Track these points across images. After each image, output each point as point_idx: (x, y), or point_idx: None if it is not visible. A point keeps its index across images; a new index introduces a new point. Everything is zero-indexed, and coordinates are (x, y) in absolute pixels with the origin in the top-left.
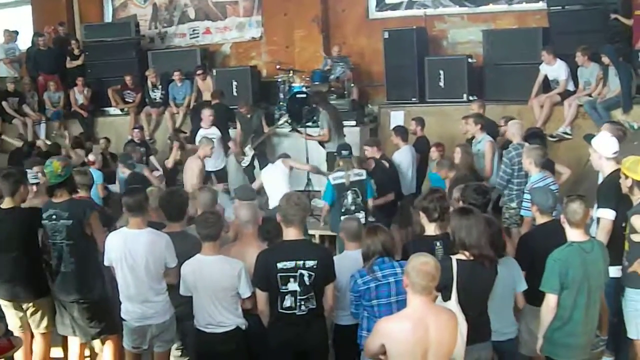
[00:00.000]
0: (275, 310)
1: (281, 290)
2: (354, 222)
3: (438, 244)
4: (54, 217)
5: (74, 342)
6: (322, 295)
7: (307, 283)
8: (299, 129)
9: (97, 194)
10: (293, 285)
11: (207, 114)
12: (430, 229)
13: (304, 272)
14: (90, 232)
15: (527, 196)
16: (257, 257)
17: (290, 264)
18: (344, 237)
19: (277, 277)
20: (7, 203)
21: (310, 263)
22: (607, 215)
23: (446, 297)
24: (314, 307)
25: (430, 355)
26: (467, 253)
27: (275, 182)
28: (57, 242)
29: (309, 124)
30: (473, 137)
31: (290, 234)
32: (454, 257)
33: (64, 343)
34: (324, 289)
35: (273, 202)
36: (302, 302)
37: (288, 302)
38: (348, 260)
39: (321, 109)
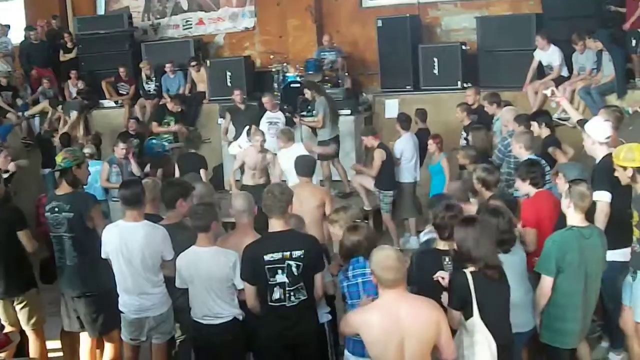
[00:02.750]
0: (265, 303)
1: (270, 283)
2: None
3: (447, 259)
4: (56, 209)
5: (84, 337)
6: (313, 285)
7: (295, 274)
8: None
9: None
10: (281, 277)
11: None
12: (440, 245)
13: (291, 262)
14: (93, 226)
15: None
16: (243, 251)
17: (277, 256)
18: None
19: (265, 269)
20: None
21: (297, 253)
22: (603, 197)
23: (467, 315)
24: (305, 297)
25: (407, 345)
26: (475, 266)
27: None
28: (58, 234)
29: (304, 113)
30: (469, 124)
31: (275, 225)
32: (467, 270)
33: (62, 337)
34: (313, 279)
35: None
36: (292, 294)
37: (277, 294)
38: None
39: (317, 97)
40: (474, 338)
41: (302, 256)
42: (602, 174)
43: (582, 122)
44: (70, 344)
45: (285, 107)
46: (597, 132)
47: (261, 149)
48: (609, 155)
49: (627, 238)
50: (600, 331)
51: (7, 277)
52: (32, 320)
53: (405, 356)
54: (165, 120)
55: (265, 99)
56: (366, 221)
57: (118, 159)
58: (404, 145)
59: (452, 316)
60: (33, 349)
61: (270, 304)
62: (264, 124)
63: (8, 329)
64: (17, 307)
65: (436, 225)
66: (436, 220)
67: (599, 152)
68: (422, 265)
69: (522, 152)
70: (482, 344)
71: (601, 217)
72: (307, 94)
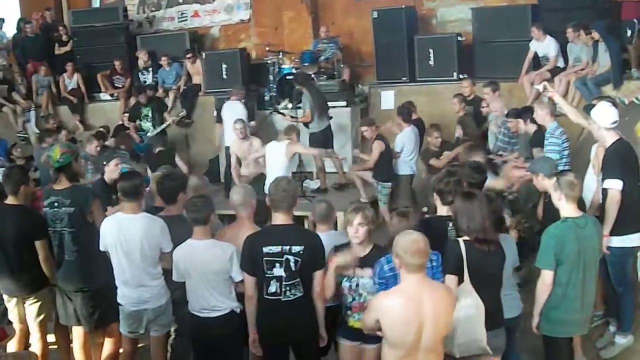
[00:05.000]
0: (261, 296)
1: (266, 275)
2: (322, 205)
3: (450, 224)
4: (55, 204)
5: (78, 331)
6: (312, 283)
7: (293, 269)
8: (280, 110)
9: None
10: (279, 271)
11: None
12: (443, 211)
13: (289, 257)
14: (92, 220)
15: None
16: (244, 241)
17: (276, 249)
18: (314, 219)
19: (263, 261)
20: (10, 200)
21: (296, 248)
22: (615, 185)
23: (460, 280)
24: (301, 294)
25: (425, 330)
26: (468, 236)
27: (273, 162)
28: (57, 229)
29: (299, 105)
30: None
31: (278, 218)
32: (461, 239)
33: (56, 330)
34: (312, 276)
35: (268, 182)
36: (288, 288)
37: (273, 287)
38: None
39: (304, 90)
40: (465, 302)
41: (301, 252)
42: (614, 160)
43: (588, 108)
44: (65, 337)
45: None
46: (603, 117)
47: (243, 137)
48: (619, 140)
49: (637, 223)
50: (598, 320)
51: (22, 276)
52: (40, 317)
53: (421, 341)
54: (144, 113)
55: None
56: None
57: (91, 155)
58: (406, 139)
59: (448, 281)
60: (36, 344)
61: (265, 297)
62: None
63: (18, 326)
64: (27, 303)
65: (439, 191)
66: (439, 185)
67: (607, 138)
68: (429, 230)
69: (547, 119)
70: (473, 308)
71: (612, 205)
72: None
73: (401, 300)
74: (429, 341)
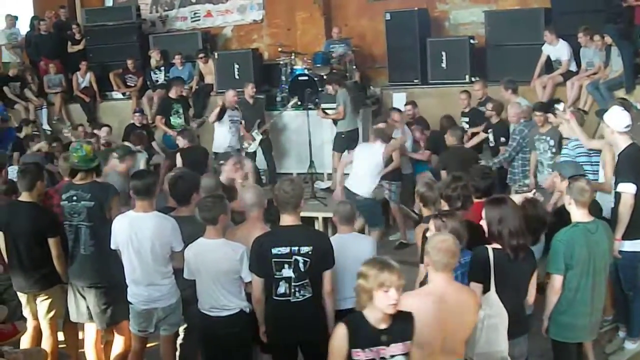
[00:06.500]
0: (271, 297)
1: (275, 276)
2: (347, 206)
3: None
4: (74, 198)
5: (90, 329)
6: (321, 283)
7: (302, 269)
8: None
9: None
10: (287, 272)
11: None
12: None
13: (298, 258)
14: (109, 216)
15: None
16: (252, 243)
17: (284, 250)
18: (336, 220)
19: (272, 262)
20: (24, 197)
21: (305, 249)
22: (628, 189)
23: (485, 289)
24: (310, 295)
25: (448, 332)
26: (498, 243)
27: (362, 163)
28: (74, 223)
29: (311, 106)
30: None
31: (286, 219)
32: (489, 247)
33: (65, 328)
34: (321, 276)
35: (350, 181)
36: (297, 289)
37: (282, 288)
38: (339, 243)
39: (339, 88)
40: (490, 311)
41: (310, 252)
42: (627, 164)
43: (600, 113)
44: (74, 335)
45: (298, 103)
46: (616, 121)
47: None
48: (632, 144)
49: None
50: (607, 326)
51: (34, 273)
52: (50, 314)
53: (445, 342)
54: (175, 109)
55: (230, 95)
56: None
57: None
58: (407, 138)
59: (473, 288)
60: (46, 341)
61: (275, 298)
62: (226, 122)
63: (31, 323)
64: (38, 300)
65: (447, 197)
66: (447, 191)
67: (620, 142)
68: None
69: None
70: (496, 317)
71: (625, 210)
72: (329, 88)
73: (428, 301)
74: (452, 343)
